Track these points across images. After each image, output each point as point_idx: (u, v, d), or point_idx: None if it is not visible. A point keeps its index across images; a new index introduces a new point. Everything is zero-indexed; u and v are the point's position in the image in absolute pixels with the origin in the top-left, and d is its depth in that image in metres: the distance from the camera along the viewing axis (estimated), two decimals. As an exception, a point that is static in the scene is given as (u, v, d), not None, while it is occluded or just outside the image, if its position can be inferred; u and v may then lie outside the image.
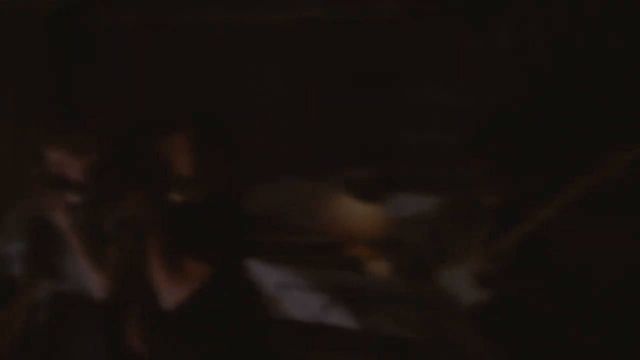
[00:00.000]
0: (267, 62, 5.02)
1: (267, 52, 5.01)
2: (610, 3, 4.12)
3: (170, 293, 2.73)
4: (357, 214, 4.60)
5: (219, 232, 2.76)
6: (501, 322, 3.24)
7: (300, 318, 3.29)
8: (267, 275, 3.27)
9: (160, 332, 2.86)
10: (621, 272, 3.84)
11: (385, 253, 4.37)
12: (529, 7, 4.31)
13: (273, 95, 5.03)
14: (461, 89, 4.51)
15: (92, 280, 2.91)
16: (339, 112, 4.88)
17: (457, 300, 3.28)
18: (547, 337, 3.27)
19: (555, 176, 3.33)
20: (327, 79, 4.90)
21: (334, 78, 4.88)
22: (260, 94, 5.05)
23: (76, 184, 2.96)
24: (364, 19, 4.77)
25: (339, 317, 3.23)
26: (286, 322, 3.31)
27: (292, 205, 4.74)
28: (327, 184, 4.74)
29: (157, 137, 2.87)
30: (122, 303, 2.97)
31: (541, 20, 4.27)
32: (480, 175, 3.35)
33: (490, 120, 3.54)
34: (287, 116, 5.03)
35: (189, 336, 2.81)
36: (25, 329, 2.98)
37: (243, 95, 5.06)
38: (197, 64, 5.19)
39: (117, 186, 2.91)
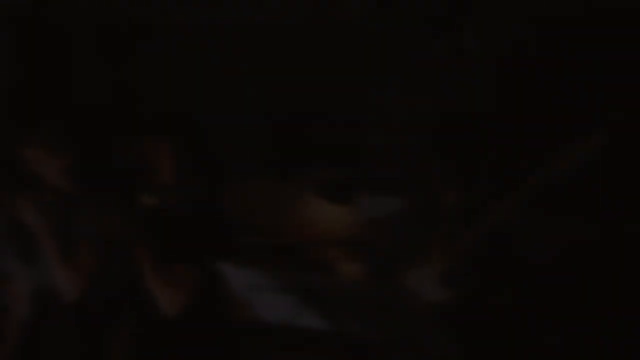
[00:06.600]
0: (236, 63, 5.02)
1: (237, 52, 5.01)
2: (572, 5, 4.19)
3: (171, 301, 2.72)
4: (326, 215, 4.62)
5: (194, 235, 2.77)
6: (466, 319, 3.29)
7: (270, 320, 3.30)
8: (237, 277, 3.28)
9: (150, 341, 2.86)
10: (583, 270, 3.90)
11: (355, 254, 4.40)
12: (495, 8, 4.36)
13: (241, 96, 5.03)
14: (426, 90, 4.54)
15: (61, 279, 2.89)
16: (306, 113, 4.89)
17: (424, 300, 3.32)
18: (511, 334, 3.32)
19: (514, 174, 3.39)
20: (294, 79, 4.91)
21: (301, 78, 4.89)
22: (228, 95, 5.05)
23: (52, 184, 2.92)
24: (329, 19, 4.79)
25: (310, 319, 3.25)
26: (257, 324, 3.32)
27: (262, 207, 4.75)
28: (296, 186, 4.75)
29: (135, 141, 2.85)
30: (99, 308, 2.96)
31: (508, 21, 4.32)
32: (442, 175, 3.41)
33: (452, 120, 3.59)
34: (255, 117, 5.03)
35: (166, 341, 2.82)
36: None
37: (210, 96, 5.06)
38: (170, 64, 5.17)
39: (94, 188, 2.90)
